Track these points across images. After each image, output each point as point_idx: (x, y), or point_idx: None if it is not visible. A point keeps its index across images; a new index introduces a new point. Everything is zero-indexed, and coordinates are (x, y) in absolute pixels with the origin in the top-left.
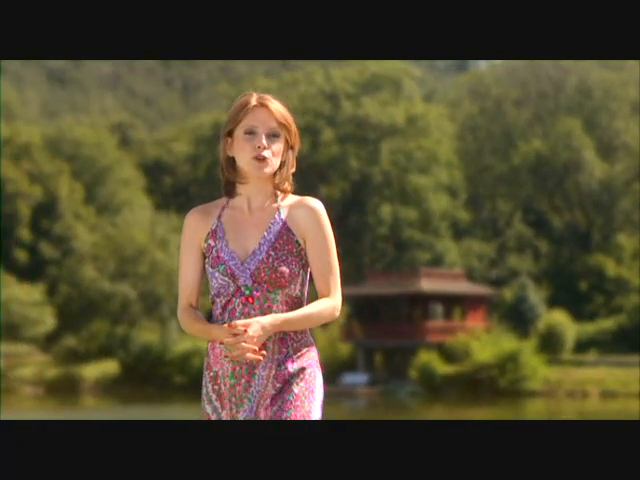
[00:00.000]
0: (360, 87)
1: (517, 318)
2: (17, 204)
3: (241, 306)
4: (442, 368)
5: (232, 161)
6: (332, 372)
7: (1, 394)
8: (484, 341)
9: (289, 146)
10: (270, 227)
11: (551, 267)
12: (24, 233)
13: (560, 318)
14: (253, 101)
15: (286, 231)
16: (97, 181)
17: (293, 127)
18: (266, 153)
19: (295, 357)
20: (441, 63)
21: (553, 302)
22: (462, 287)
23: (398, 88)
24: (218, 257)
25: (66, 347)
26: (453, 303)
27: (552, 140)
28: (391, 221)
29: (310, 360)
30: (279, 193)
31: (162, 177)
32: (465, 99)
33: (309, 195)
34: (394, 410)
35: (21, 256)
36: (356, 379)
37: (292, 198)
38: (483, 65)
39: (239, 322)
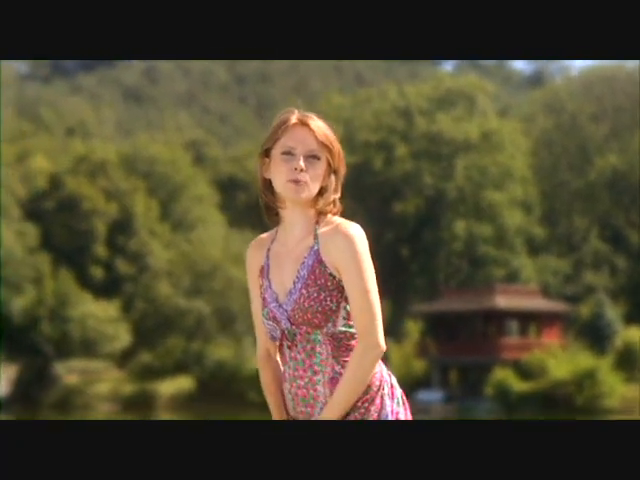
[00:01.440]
0: (434, 103)
1: (594, 335)
2: (93, 221)
3: (288, 351)
4: (518, 385)
5: (269, 184)
6: (407, 389)
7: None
8: (560, 358)
9: (332, 170)
10: (304, 261)
11: (628, 283)
12: (100, 250)
13: (637, 335)
14: (293, 119)
15: (318, 264)
16: (172, 198)
17: (336, 149)
18: (303, 176)
19: None
20: (516, 78)
21: (630, 319)
22: (538, 303)
23: (472, 103)
24: (264, 299)
25: (141, 363)
26: (528, 320)
27: (629, 155)
28: (466, 237)
29: (369, 394)
30: (320, 219)
31: (236, 194)
32: (540, 114)
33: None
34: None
35: (97, 273)
36: (431, 396)
37: (330, 223)
38: (558, 80)
39: None
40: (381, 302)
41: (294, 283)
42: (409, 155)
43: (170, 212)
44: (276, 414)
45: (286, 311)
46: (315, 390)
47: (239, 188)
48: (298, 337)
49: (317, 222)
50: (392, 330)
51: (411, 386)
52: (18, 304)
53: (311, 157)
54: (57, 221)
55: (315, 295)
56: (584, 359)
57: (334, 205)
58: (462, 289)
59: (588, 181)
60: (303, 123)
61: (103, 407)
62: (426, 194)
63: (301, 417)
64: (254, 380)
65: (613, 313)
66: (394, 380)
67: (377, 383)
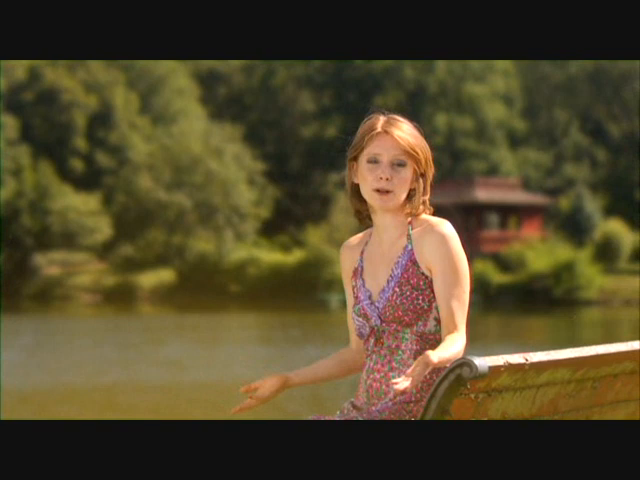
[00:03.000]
0: None
1: (573, 227)
2: (72, 114)
3: (373, 346)
4: (497, 278)
5: (358, 188)
6: None
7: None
8: (539, 251)
9: (419, 173)
10: (398, 261)
11: (608, 176)
12: (80, 143)
13: (616, 227)
14: (379, 127)
15: (411, 263)
16: (152, 91)
17: (422, 155)
18: (388, 185)
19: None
20: None
21: (610, 211)
22: (518, 196)
23: None
24: (356, 297)
25: (123, 256)
26: (508, 212)
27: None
28: (446, 130)
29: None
30: (412, 220)
31: (216, 87)
32: None
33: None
34: None
35: (77, 166)
36: None
37: (422, 223)
38: None
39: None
40: None
41: (388, 282)
42: None
43: (150, 105)
44: (308, 370)
45: (377, 308)
46: (387, 386)
47: (220, 81)
48: (386, 334)
49: (410, 223)
50: None
51: None
52: None
53: (396, 164)
54: (36, 113)
55: (408, 293)
56: (563, 251)
57: (424, 206)
58: (442, 182)
59: (569, 74)
60: (387, 132)
61: (85, 298)
62: (407, 87)
63: (366, 407)
64: (235, 272)
65: (593, 206)
66: None
67: None
